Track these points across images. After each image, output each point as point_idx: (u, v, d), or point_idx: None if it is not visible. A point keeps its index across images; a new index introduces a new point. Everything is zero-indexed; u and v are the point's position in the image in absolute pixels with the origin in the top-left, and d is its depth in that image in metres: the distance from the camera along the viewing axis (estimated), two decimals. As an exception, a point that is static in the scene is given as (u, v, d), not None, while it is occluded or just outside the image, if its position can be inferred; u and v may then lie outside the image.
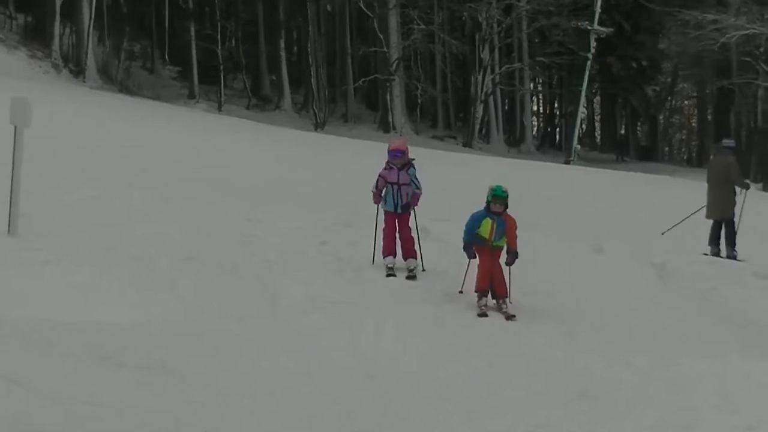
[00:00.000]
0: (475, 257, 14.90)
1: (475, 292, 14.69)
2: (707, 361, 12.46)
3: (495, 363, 11.91)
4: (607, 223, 21.04)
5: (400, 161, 15.82)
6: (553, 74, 63.68)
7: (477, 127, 53.30)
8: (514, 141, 57.25)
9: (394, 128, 49.98)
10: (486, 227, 14.79)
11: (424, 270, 15.78)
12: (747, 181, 21.77)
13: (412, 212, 16.09)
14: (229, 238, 15.72)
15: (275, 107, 49.97)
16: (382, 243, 15.89)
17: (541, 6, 52.30)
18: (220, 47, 48.27)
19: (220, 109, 45.57)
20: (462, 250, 15.09)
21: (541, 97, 68.00)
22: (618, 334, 12.76)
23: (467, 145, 50.91)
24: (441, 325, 13.38)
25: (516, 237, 14.90)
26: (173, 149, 22.91)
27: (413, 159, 16.16)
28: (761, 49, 53.29)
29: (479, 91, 53.01)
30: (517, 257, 14.83)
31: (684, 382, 11.45)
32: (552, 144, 62.79)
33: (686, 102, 71.28)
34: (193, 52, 47.75)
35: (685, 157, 69.45)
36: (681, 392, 10.94)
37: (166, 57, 51.45)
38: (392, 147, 16.20)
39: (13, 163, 14.01)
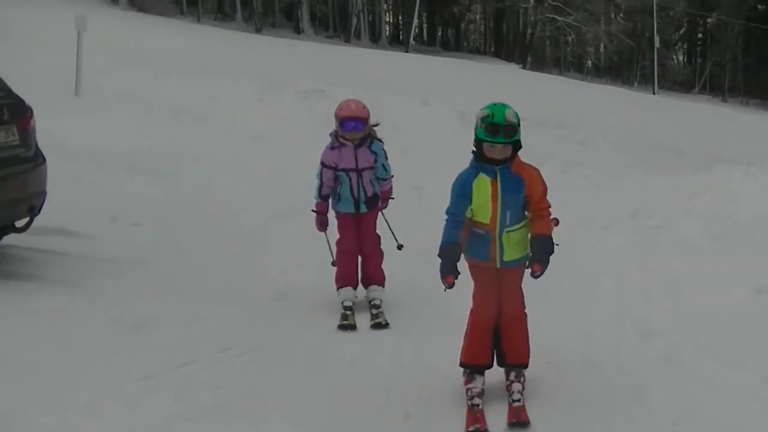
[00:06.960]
0: (456, 276, 4.18)
1: (461, 365, 4.52)
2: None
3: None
4: (430, 86, 20.65)
5: (358, 136, 6.06)
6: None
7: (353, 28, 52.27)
8: (374, 39, 56.53)
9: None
10: (483, 193, 4.26)
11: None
12: None
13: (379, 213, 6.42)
14: (199, 97, 15.12)
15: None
16: (335, 267, 6.31)
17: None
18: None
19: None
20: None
21: (392, 10, 67.11)
22: (425, 154, 12.62)
23: (347, 41, 49.88)
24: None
25: (547, 208, 4.34)
26: (183, 45, 21.62)
27: (376, 125, 6.25)
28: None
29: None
30: (551, 253, 4.26)
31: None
32: (398, 41, 62.33)
33: (478, 15, 70.90)
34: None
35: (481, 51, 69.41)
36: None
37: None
38: (345, 114, 6.01)
39: (77, 53, 13.96)
